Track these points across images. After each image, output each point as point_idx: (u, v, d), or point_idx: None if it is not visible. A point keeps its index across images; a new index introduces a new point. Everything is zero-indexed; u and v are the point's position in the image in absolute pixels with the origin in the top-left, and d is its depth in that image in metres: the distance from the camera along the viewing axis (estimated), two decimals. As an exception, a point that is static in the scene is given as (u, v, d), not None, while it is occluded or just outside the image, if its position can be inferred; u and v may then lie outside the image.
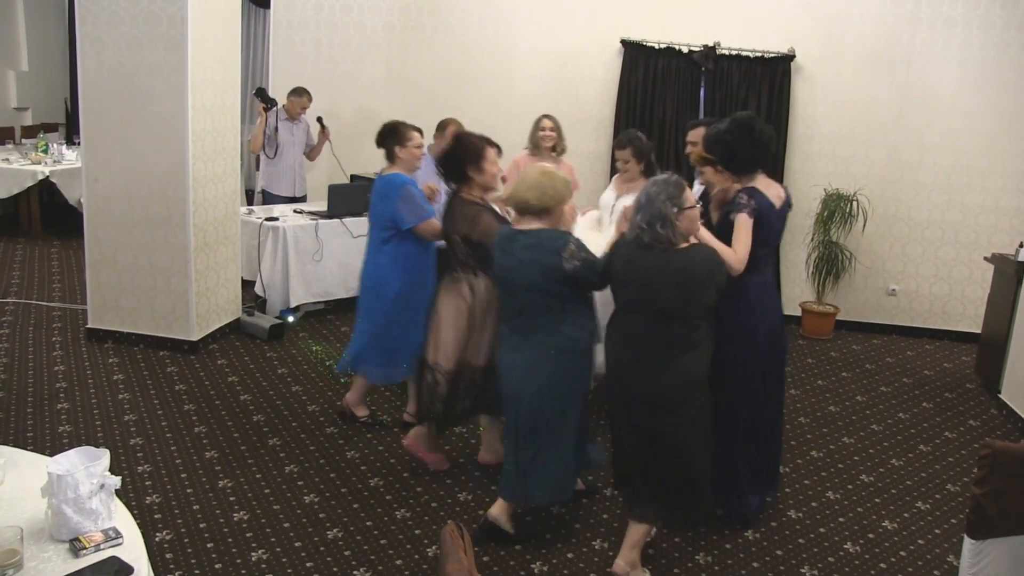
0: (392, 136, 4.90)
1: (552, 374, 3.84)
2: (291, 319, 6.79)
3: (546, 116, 6.08)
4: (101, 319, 6.29)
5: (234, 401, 5.45)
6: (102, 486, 2.37)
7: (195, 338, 6.15)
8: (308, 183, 7.99)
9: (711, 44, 7.41)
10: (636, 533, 3.77)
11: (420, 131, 5.02)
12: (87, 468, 2.34)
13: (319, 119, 7.72)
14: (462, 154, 4.38)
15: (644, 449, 3.71)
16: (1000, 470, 2.95)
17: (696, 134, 5.06)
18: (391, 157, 4.91)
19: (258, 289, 6.85)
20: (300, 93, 7.58)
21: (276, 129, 7.54)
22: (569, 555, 4.00)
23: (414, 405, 5.13)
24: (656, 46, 7.54)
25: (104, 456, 2.42)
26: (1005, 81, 7.19)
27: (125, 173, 5.97)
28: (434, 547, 3.99)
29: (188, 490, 4.35)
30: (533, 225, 3.81)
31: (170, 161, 5.88)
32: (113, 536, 2.33)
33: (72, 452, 2.45)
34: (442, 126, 6.37)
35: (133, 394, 5.45)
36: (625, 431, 3.78)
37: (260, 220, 6.84)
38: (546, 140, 6.01)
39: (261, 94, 7.56)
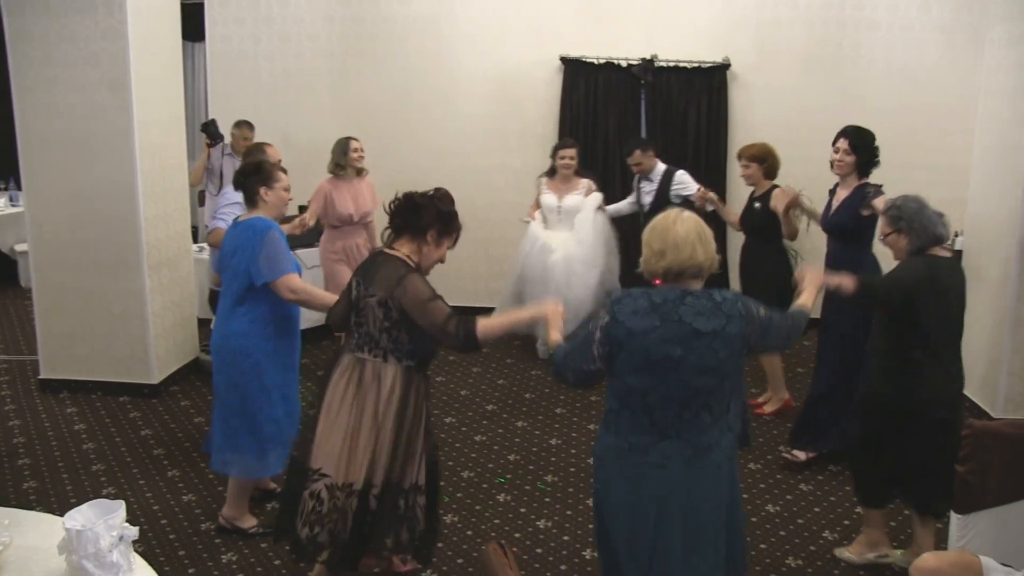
0: (257, 175, 4.11)
1: (731, 485, 2.95)
2: (250, 355, 6.70)
3: (353, 138, 6.13)
4: (54, 368, 6.14)
5: (204, 442, 5.36)
6: (121, 538, 2.35)
7: (156, 381, 6.05)
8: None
9: (649, 57, 7.58)
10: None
11: (286, 171, 4.28)
12: (106, 521, 2.32)
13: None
14: (432, 212, 3.49)
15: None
16: (981, 447, 3.11)
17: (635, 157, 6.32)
18: (253, 200, 4.10)
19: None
20: (240, 125, 7.48)
21: (221, 164, 7.44)
22: (563, 567, 4.05)
23: (236, 509, 4.34)
24: (595, 61, 7.69)
25: (120, 508, 2.39)
26: (925, 79, 7.52)
27: (72, 217, 5.86)
28: (429, 570, 3.99)
29: (171, 536, 4.28)
30: (693, 286, 2.87)
31: (119, 203, 5.79)
32: (137, 588, 2.31)
33: (85, 506, 2.42)
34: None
35: (98, 443, 5.34)
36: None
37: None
38: (359, 161, 6.11)
39: (207, 129, 7.42)
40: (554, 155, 6.60)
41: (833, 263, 4.70)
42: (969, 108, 6.58)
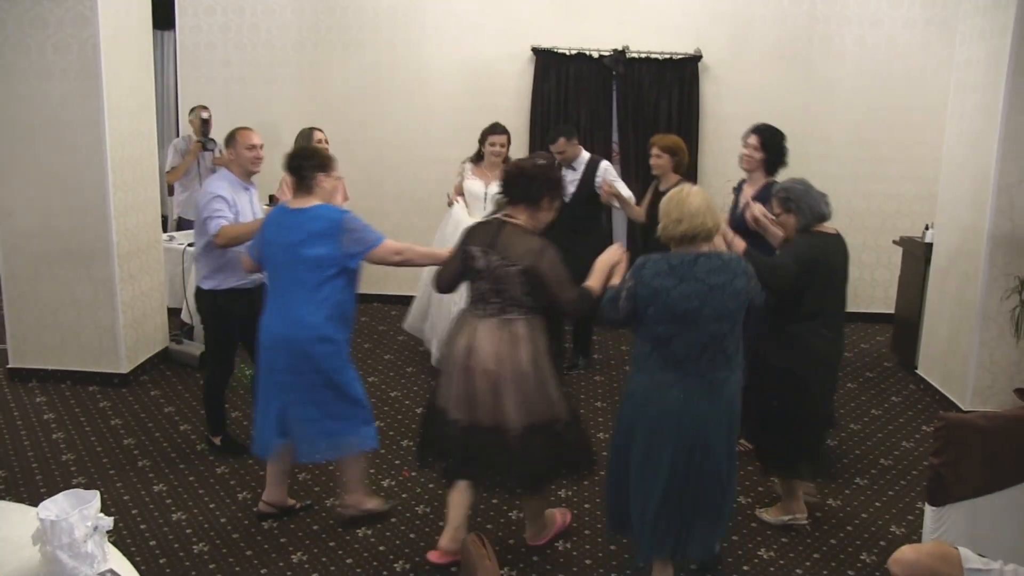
0: (314, 160, 4.09)
1: (735, 415, 3.56)
2: (221, 345, 6.65)
3: (317, 128, 5.88)
4: (23, 358, 6.08)
5: (174, 432, 5.34)
6: (95, 528, 2.33)
7: (125, 371, 6.00)
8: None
9: (620, 48, 7.59)
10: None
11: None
12: (81, 511, 2.29)
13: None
14: (544, 181, 3.77)
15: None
16: (955, 440, 3.14)
17: (558, 146, 6.12)
18: (309, 186, 4.06)
19: (184, 316, 6.70)
20: (194, 110, 7.49)
21: (210, 166, 7.40)
22: (535, 558, 4.08)
23: (279, 492, 4.38)
24: (567, 52, 7.70)
25: (95, 498, 2.37)
26: (896, 73, 7.61)
27: (42, 206, 5.79)
28: (401, 561, 4.01)
29: (142, 526, 4.25)
30: (703, 248, 3.45)
31: (90, 192, 5.73)
32: (112, 578, 2.29)
33: (59, 496, 2.39)
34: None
35: (67, 433, 5.29)
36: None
37: (183, 247, 6.69)
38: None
39: (211, 143, 7.35)
40: (483, 141, 6.30)
41: None
42: (940, 103, 6.66)
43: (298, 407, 4.05)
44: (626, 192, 6.01)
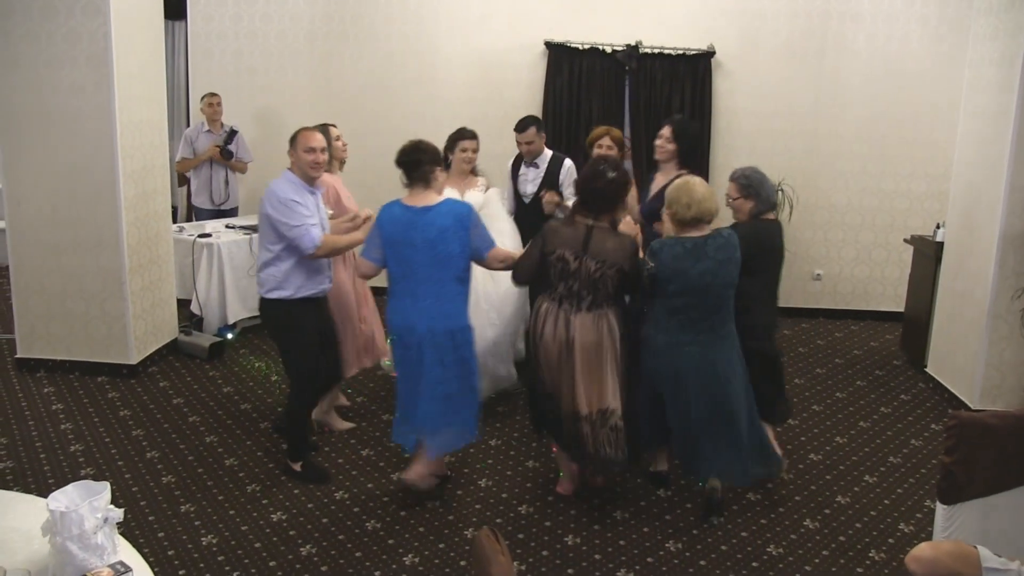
0: (429, 154, 4.20)
1: (741, 359, 4.21)
2: (230, 336, 6.67)
3: (331, 124, 5.41)
4: (31, 348, 6.08)
5: (183, 423, 5.34)
6: (105, 520, 2.32)
7: (134, 361, 6.00)
8: (240, 195, 7.83)
9: (633, 43, 7.56)
10: None
11: None
12: (91, 503, 2.29)
13: None
14: (620, 190, 4.16)
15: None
16: (967, 439, 3.13)
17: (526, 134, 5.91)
18: (427, 180, 4.19)
19: (194, 307, 6.71)
20: (203, 98, 7.57)
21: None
22: (544, 553, 4.07)
23: (436, 465, 4.58)
24: (580, 47, 7.67)
25: (105, 490, 2.37)
26: (908, 71, 7.56)
27: (51, 196, 5.79)
28: (410, 555, 4.00)
29: (150, 518, 4.25)
30: (705, 229, 4.06)
31: (99, 181, 5.73)
32: (122, 570, 2.29)
33: (70, 487, 2.40)
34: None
35: (76, 423, 5.29)
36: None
37: (193, 237, 6.70)
38: (344, 150, 5.44)
39: (227, 151, 7.41)
40: (451, 147, 5.61)
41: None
42: (953, 101, 6.62)
43: (432, 402, 4.23)
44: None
